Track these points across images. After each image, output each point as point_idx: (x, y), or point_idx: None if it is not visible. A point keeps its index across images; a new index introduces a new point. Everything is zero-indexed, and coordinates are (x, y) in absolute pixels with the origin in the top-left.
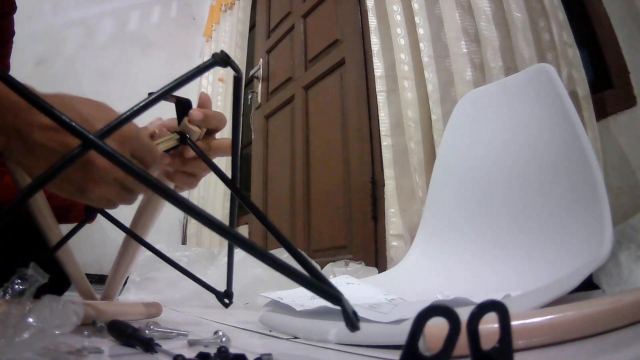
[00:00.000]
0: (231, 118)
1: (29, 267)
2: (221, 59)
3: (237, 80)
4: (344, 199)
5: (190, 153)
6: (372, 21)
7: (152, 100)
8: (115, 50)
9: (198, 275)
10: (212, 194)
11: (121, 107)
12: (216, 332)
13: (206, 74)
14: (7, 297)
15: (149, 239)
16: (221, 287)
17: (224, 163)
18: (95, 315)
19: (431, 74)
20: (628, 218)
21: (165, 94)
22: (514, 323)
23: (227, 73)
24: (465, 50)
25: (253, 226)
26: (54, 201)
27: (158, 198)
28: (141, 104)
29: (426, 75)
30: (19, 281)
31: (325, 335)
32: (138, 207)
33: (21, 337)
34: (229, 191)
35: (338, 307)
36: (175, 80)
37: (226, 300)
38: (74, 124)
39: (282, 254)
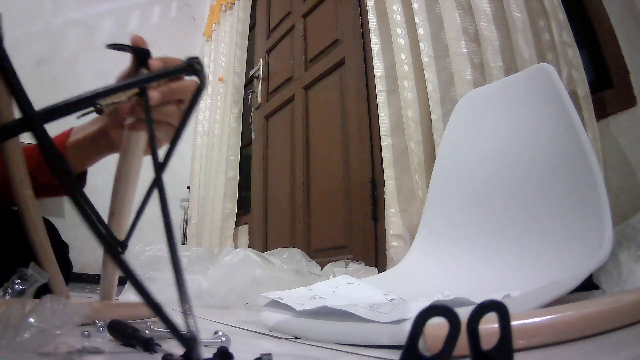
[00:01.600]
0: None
1: (29, 267)
2: (189, 66)
3: (198, 88)
4: (344, 199)
5: (154, 100)
6: (372, 21)
7: (108, 91)
8: (115, 50)
9: (198, 276)
10: (212, 193)
11: None
12: (216, 332)
13: (206, 74)
14: (7, 297)
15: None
16: (220, 288)
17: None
18: (95, 315)
19: (431, 74)
20: (628, 218)
21: (122, 88)
22: (514, 323)
23: (227, 73)
24: (465, 50)
25: (253, 226)
26: (39, 178)
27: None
28: (88, 94)
29: (426, 75)
30: (19, 281)
31: (325, 335)
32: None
33: (22, 337)
34: (229, 191)
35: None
36: (135, 77)
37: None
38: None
39: (282, 254)
